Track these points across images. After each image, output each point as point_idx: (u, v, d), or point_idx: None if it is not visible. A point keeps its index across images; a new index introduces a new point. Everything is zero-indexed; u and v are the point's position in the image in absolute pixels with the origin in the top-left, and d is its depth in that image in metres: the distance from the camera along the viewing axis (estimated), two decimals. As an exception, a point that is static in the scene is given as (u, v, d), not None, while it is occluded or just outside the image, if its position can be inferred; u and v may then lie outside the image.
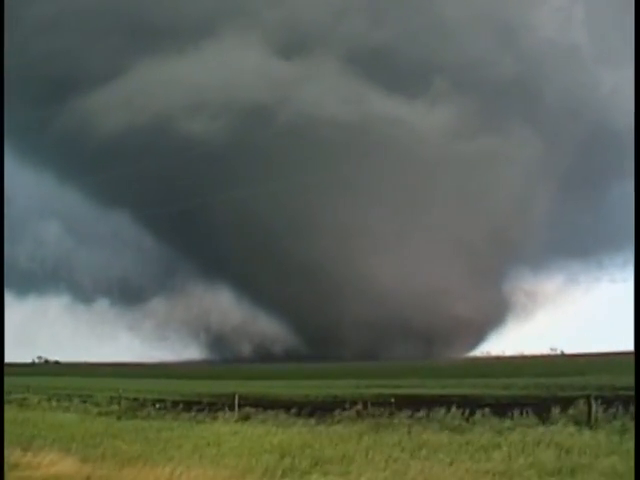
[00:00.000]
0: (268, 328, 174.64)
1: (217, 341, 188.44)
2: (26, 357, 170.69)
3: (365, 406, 21.61)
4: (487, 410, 19.08)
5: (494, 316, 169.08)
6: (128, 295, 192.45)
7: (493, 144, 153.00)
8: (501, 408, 20.24)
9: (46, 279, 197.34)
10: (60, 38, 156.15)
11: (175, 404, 26.72)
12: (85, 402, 31.16)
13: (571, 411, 18.33)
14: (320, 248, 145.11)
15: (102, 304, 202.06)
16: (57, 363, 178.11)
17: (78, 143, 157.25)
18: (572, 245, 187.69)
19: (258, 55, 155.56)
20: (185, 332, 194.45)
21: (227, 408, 23.16)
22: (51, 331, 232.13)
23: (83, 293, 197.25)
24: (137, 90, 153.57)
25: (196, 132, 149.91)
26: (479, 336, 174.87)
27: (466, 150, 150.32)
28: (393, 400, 21.26)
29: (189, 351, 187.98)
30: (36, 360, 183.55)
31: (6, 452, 13.28)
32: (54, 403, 31.32)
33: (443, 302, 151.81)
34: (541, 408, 19.12)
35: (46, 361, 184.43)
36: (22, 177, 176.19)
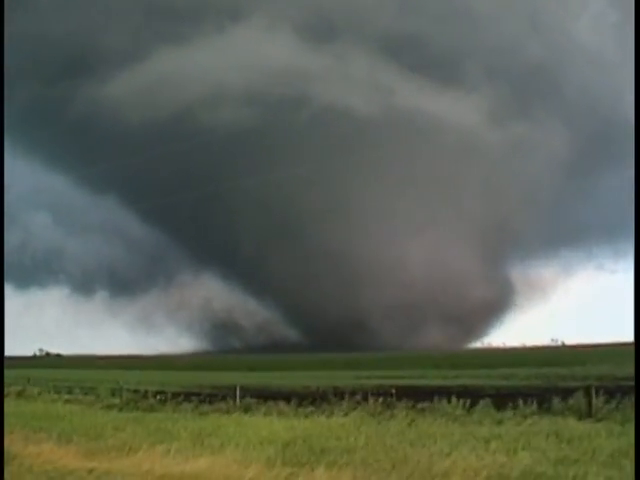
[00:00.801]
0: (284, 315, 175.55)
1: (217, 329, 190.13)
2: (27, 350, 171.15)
3: (365, 397, 21.62)
4: (488, 400, 19.09)
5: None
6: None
7: (519, 135, 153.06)
8: (502, 398, 20.24)
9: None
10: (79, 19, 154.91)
11: (182, 395, 26.53)
12: (86, 394, 31.17)
13: (572, 401, 18.33)
14: (344, 235, 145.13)
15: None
16: (58, 356, 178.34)
17: (95, 131, 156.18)
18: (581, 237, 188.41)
19: (285, 41, 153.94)
20: (188, 319, 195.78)
21: (229, 399, 23.20)
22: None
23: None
24: (157, 77, 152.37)
25: (220, 120, 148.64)
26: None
27: (494, 140, 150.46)
28: (394, 391, 21.29)
29: (187, 338, 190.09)
30: (37, 353, 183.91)
31: (7, 443, 13.28)
32: (55, 395, 31.34)
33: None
34: (542, 398, 19.13)
35: (47, 354, 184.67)
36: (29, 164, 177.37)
